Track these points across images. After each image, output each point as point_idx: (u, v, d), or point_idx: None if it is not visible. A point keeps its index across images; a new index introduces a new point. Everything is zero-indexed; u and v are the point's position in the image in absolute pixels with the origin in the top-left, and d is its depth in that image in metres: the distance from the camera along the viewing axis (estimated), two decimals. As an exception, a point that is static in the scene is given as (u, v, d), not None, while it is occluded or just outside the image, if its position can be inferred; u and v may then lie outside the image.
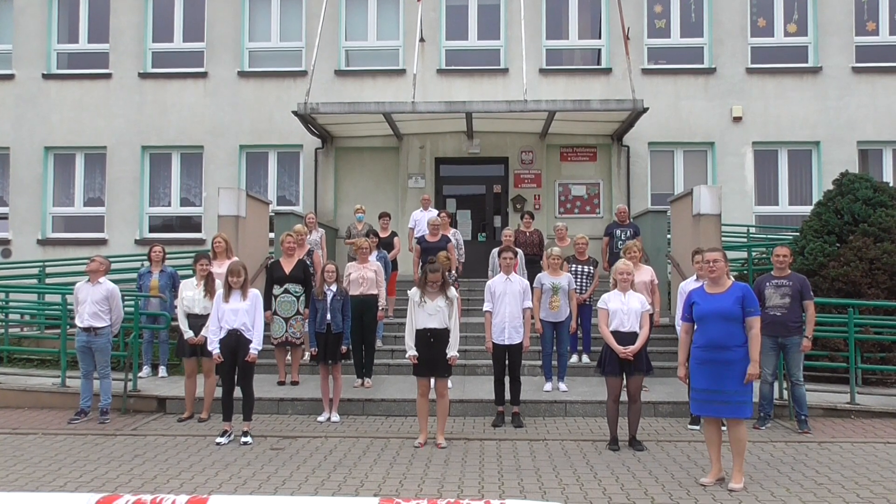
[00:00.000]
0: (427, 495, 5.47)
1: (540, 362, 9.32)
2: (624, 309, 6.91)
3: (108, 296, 7.97)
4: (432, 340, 6.91)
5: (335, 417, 8.05)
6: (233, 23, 15.37)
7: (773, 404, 7.93)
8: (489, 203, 15.17)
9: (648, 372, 7.06)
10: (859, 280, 9.64)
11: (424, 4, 14.53)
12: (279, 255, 9.63)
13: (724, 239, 11.10)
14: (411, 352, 6.96)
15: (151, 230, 15.44)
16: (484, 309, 8.00)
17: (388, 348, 10.21)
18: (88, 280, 7.98)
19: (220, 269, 8.39)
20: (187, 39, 15.58)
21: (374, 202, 13.81)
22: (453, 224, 13.25)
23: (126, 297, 8.66)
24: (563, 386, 8.88)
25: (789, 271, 7.79)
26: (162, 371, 9.74)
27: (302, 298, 9.07)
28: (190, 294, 8.02)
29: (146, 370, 9.70)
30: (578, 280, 9.49)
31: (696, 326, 5.90)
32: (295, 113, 13.29)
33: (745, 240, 13.24)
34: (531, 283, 8.39)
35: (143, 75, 15.41)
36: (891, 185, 11.63)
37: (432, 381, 7.09)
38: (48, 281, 13.49)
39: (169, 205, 15.55)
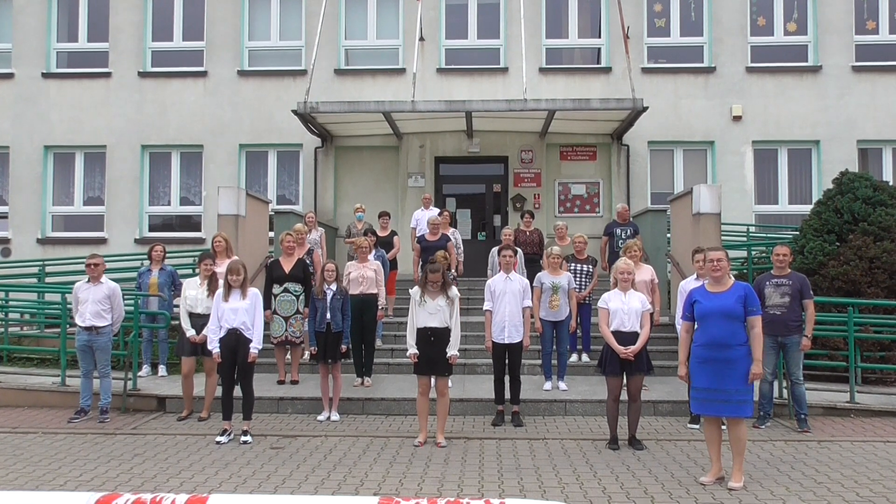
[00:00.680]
0: (427, 494, 5.47)
1: (540, 361, 9.32)
2: (625, 309, 6.90)
3: (109, 294, 7.98)
4: (433, 339, 6.92)
5: (335, 416, 8.05)
6: (232, 22, 15.37)
7: (772, 403, 7.93)
8: (489, 202, 15.17)
9: (649, 371, 7.06)
10: (859, 279, 9.64)
11: (424, 3, 14.52)
12: (279, 254, 9.62)
13: (723, 238, 11.10)
14: (412, 350, 6.97)
15: (151, 229, 15.43)
16: (484, 308, 8.00)
17: (387, 347, 10.21)
18: (89, 280, 7.97)
19: (220, 268, 8.39)
20: (187, 38, 15.57)
21: (373, 201, 13.81)
22: (453, 223, 13.25)
23: (126, 297, 8.65)
24: (562, 385, 8.88)
25: (789, 270, 7.79)
26: (162, 370, 9.74)
27: (302, 297, 9.07)
28: (193, 293, 8.03)
29: (146, 369, 9.69)
30: (578, 279, 9.48)
31: (696, 325, 5.90)
32: (295, 112, 13.29)
33: (744, 239, 13.24)
34: (531, 283, 8.38)
35: (143, 74, 15.41)
36: (890, 183, 11.66)
37: (432, 379, 7.10)
38: (48, 280, 13.48)
39: (169, 204, 15.55)
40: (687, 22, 15.18)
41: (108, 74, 15.42)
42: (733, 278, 5.98)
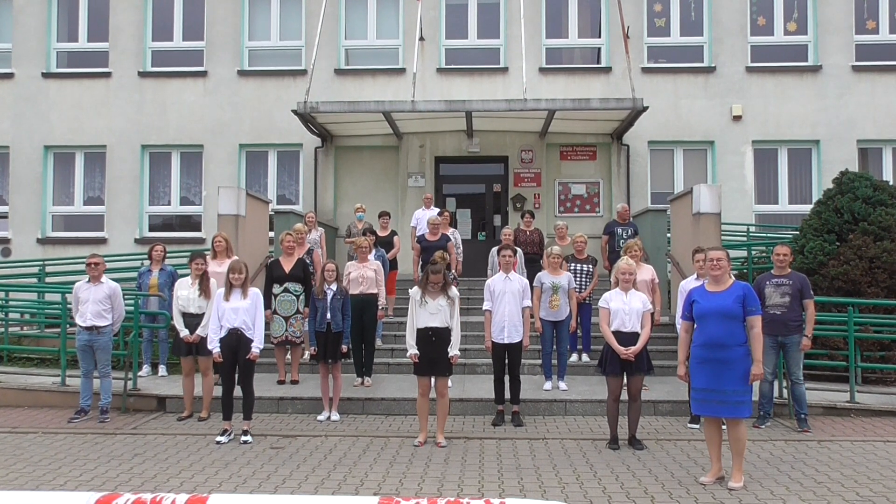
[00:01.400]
0: (427, 494, 5.47)
1: (540, 361, 9.32)
2: (626, 309, 6.90)
3: (110, 294, 7.99)
4: (434, 339, 6.92)
5: (335, 416, 8.05)
6: (232, 22, 15.37)
7: (772, 403, 7.93)
8: (489, 202, 15.17)
9: (649, 371, 7.06)
10: (859, 279, 9.64)
11: (424, 3, 14.53)
12: (279, 254, 9.62)
13: (723, 238, 11.11)
14: (412, 350, 6.97)
15: (151, 229, 15.44)
16: (483, 308, 8.00)
17: (387, 347, 10.21)
18: (89, 280, 7.98)
19: (220, 268, 8.41)
20: (187, 38, 15.57)
21: (373, 201, 13.80)
22: (453, 223, 13.25)
23: (126, 297, 8.65)
24: (562, 385, 8.88)
25: (789, 270, 7.79)
26: (162, 370, 9.74)
27: (302, 297, 9.07)
28: (185, 293, 8.03)
29: (146, 369, 9.70)
30: (578, 279, 9.48)
31: (696, 325, 5.90)
32: (295, 112, 13.29)
33: (744, 239, 13.24)
34: (531, 283, 8.38)
35: (143, 74, 15.41)
36: (890, 183, 11.65)
37: (432, 380, 7.10)
38: (48, 280, 13.49)
39: (169, 204, 15.55)
40: (687, 22, 15.19)
41: (108, 74, 15.42)
42: (733, 278, 5.97)
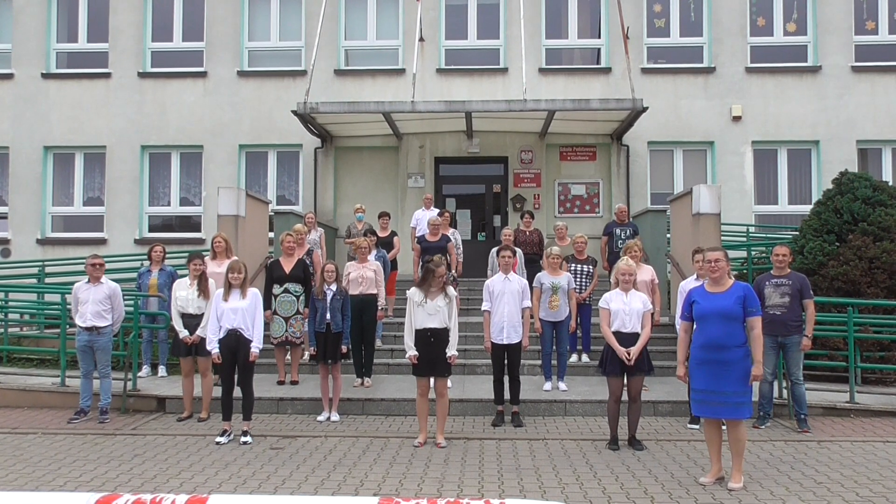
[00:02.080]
0: (427, 495, 5.47)
1: (539, 362, 9.32)
2: (626, 309, 6.89)
3: (110, 294, 7.99)
4: (432, 340, 6.91)
5: (335, 417, 8.05)
6: (232, 22, 15.37)
7: (772, 403, 7.93)
8: (489, 202, 15.18)
9: (649, 372, 7.05)
10: (859, 279, 9.65)
11: (424, 4, 14.53)
12: (279, 254, 9.62)
13: (723, 238, 11.11)
14: (411, 351, 6.96)
15: (151, 230, 15.44)
16: (483, 308, 8.00)
17: (387, 348, 10.22)
18: (89, 280, 7.98)
19: (220, 268, 8.40)
20: (187, 39, 15.58)
21: (373, 202, 13.81)
22: (453, 224, 13.25)
23: (125, 297, 8.65)
24: (562, 385, 8.88)
25: (789, 270, 7.79)
26: (161, 371, 9.74)
27: (302, 298, 9.07)
28: (183, 294, 8.03)
29: (146, 370, 9.70)
30: (578, 279, 9.48)
31: (695, 326, 5.89)
32: (294, 112, 13.29)
33: (744, 239, 13.24)
34: (531, 283, 8.38)
35: (143, 75, 15.41)
36: (890, 184, 11.65)
37: (432, 380, 7.09)
38: (47, 280, 13.50)
39: (168, 204, 15.55)
40: (687, 22, 15.20)
41: (107, 75, 15.42)
42: (733, 278, 5.97)
